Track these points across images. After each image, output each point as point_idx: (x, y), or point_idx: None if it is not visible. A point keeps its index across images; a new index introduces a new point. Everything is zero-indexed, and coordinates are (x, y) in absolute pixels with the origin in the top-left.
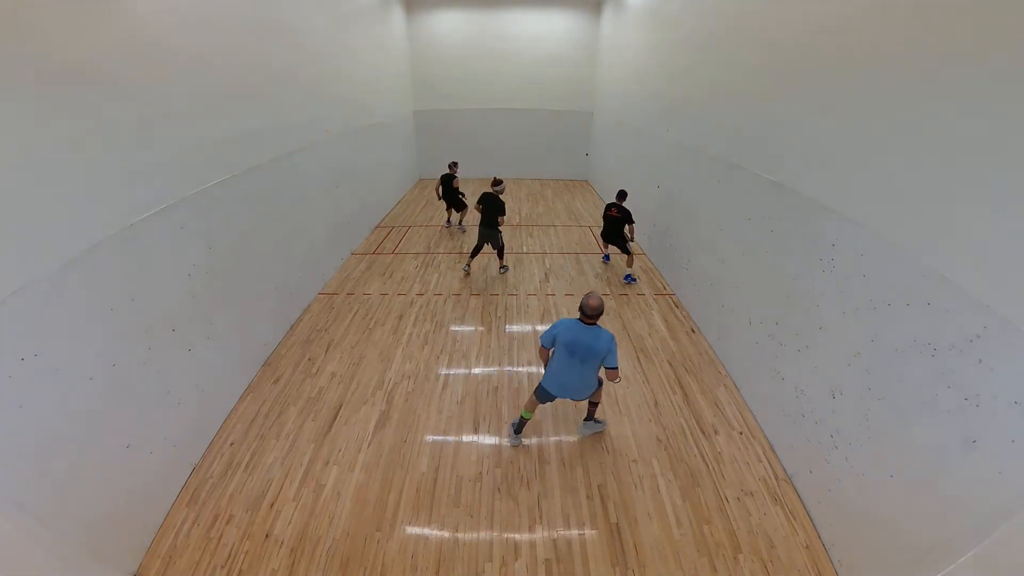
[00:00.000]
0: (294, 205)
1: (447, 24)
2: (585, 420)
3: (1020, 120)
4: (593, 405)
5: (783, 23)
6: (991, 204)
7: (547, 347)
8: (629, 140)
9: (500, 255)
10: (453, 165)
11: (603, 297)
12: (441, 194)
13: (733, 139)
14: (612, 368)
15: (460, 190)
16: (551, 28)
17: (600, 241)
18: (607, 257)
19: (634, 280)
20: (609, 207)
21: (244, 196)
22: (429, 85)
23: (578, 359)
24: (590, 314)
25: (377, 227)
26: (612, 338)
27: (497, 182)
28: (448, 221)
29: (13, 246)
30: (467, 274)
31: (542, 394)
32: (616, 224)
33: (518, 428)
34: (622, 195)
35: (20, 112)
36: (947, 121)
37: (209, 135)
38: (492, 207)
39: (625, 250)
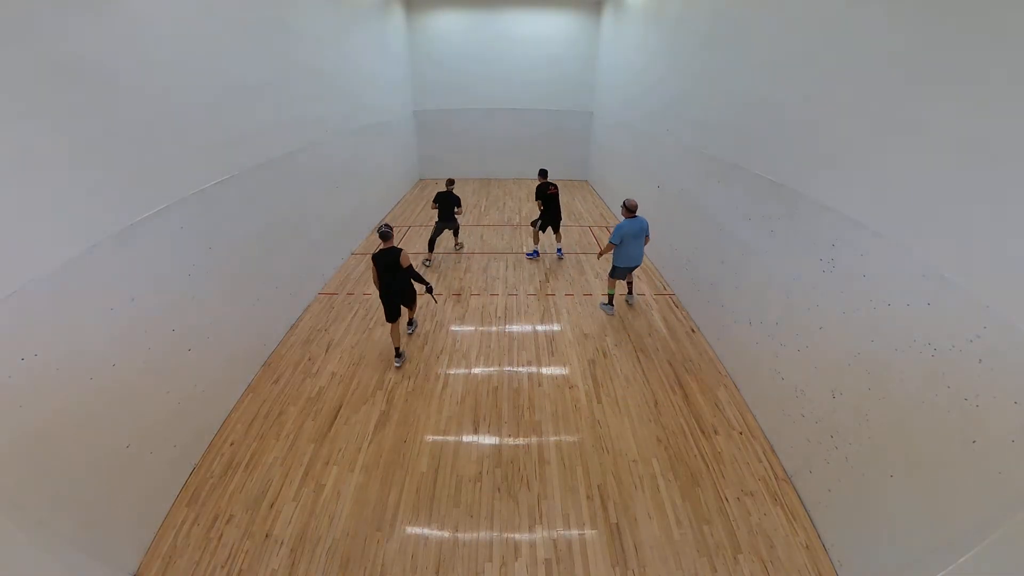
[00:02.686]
0: (294, 205)
1: (447, 24)
2: (628, 294)
3: (1020, 120)
4: (630, 284)
5: (783, 23)
6: (991, 204)
7: (616, 243)
8: (629, 140)
9: (456, 234)
10: (387, 229)
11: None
12: (380, 287)
13: (733, 139)
14: (649, 236)
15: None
16: (551, 28)
17: (535, 231)
18: (535, 253)
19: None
20: (547, 185)
21: (244, 196)
22: (429, 85)
23: (638, 239)
24: (633, 209)
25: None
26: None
27: (450, 182)
28: (397, 353)
29: (13, 246)
30: (429, 266)
31: (620, 272)
32: (557, 200)
33: (610, 301)
34: (544, 173)
35: (20, 112)
36: (948, 121)
37: (209, 135)
38: (447, 203)
39: (557, 228)
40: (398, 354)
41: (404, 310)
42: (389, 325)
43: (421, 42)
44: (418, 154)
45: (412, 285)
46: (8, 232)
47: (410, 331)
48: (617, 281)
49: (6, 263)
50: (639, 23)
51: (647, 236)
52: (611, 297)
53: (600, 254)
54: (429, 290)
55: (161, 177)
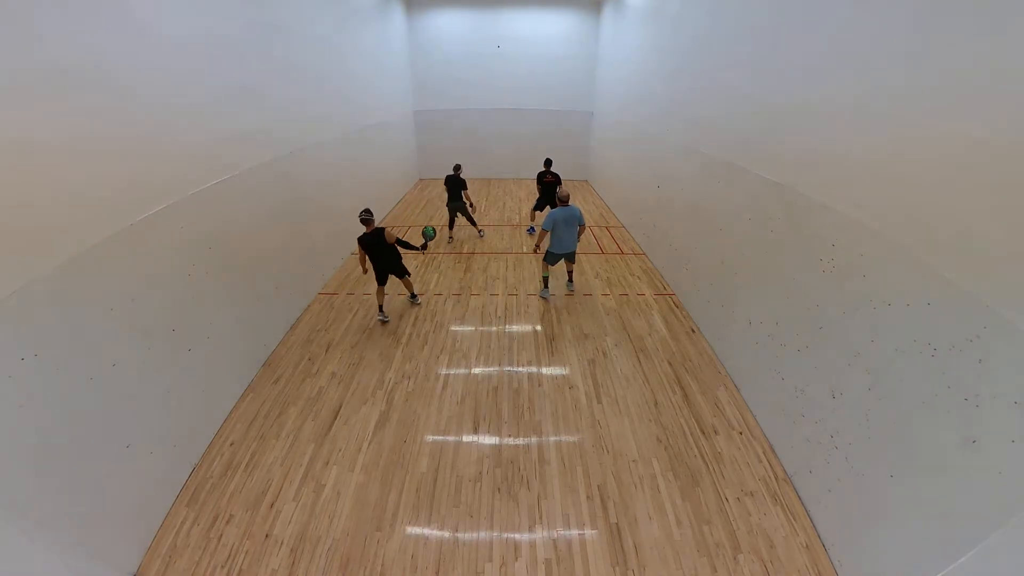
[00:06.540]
0: (294, 205)
1: (447, 24)
2: (568, 283)
3: (1020, 120)
4: (570, 272)
5: (783, 22)
6: (991, 204)
7: (549, 229)
8: (629, 140)
9: (472, 223)
10: (367, 215)
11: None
12: (370, 264)
13: (733, 139)
14: (583, 224)
15: (401, 242)
16: (551, 28)
17: (531, 213)
18: (532, 229)
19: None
20: (545, 174)
21: (244, 196)
22: (429, 85)
23: (570, 225)
24: (566, 200)
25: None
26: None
27: (457, 167)
28: (381, 310)
29: (13, 246)
30: (450, 240)
31: (552, 257)
32: (553, 187)
33: (546, 284)
34: (549, 162)
35: (20, 111)
36: (947, 121)
37: (209, 135)
38: (455, 185)
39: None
40: (381, 310)
41: (399, 282)
42: (377, 288)
43: (421, 42)
44: (418, 154)
45: (397, 259)
46: (8, 232)
47: (416, 302)
48: (551, 267)
49: (6, 263)
50: (639, 22)
51: (581, 225)
52: (546, 280)
53: (536, 244)
54: (423, 248)
55: (161, 177)
